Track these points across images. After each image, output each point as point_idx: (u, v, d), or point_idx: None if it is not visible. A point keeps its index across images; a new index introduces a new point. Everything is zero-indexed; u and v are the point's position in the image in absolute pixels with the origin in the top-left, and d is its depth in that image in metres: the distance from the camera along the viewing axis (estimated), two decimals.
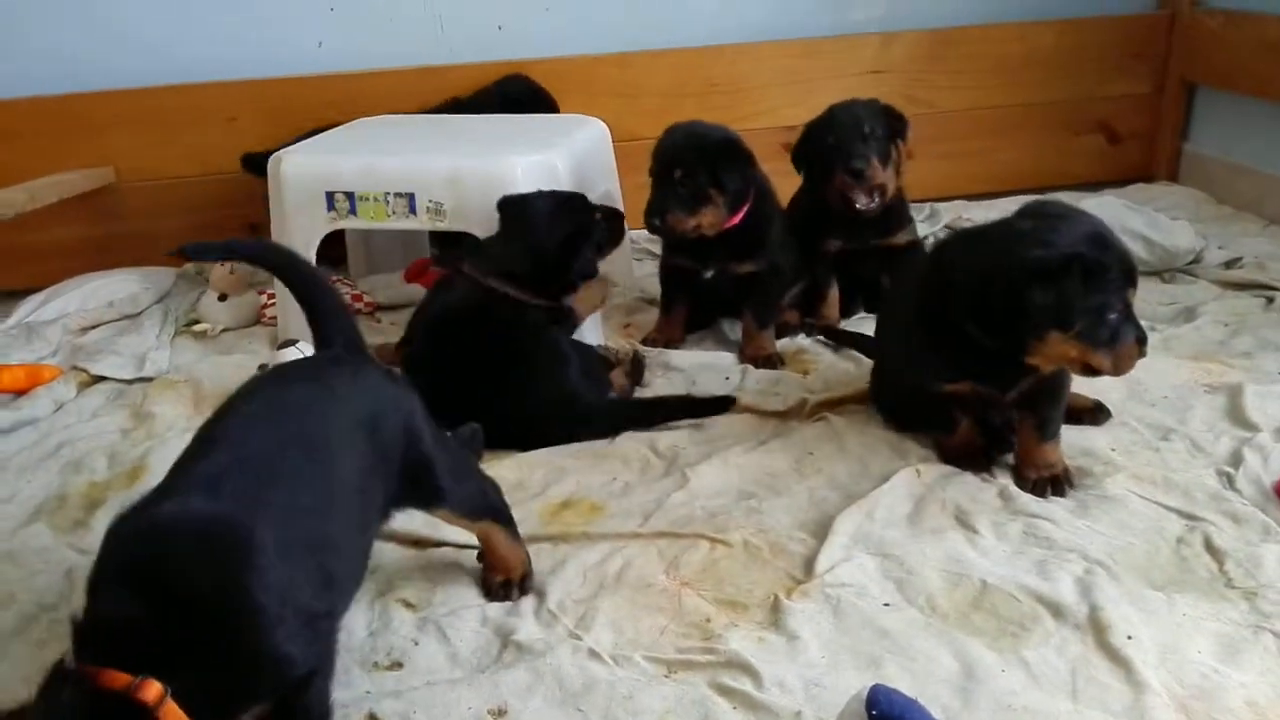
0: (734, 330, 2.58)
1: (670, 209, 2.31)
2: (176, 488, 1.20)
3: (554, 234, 2.15)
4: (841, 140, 2.41)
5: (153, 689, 1.03)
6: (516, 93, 3.06)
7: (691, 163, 2.30)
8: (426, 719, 1.35)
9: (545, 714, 1.36)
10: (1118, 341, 1.64)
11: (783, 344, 2.49)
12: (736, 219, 2.38)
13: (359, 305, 2.85)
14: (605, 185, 2.68)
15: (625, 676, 1.43)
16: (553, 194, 2.24)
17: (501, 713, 1.37)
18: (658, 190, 2.34)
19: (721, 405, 2.16)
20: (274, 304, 2.76)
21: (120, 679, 1.03)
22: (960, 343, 1.72)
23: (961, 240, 1.84)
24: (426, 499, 1.50)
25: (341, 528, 1.30)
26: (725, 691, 1.39)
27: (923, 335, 1.81)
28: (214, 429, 1.29)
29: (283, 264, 1.59)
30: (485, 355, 2.04)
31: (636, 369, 2.34)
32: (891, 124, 2.48)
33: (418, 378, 1.70)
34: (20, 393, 2.35)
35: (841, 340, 2.48)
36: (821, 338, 2.53)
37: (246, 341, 2.66)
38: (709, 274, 2.44)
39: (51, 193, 2.83)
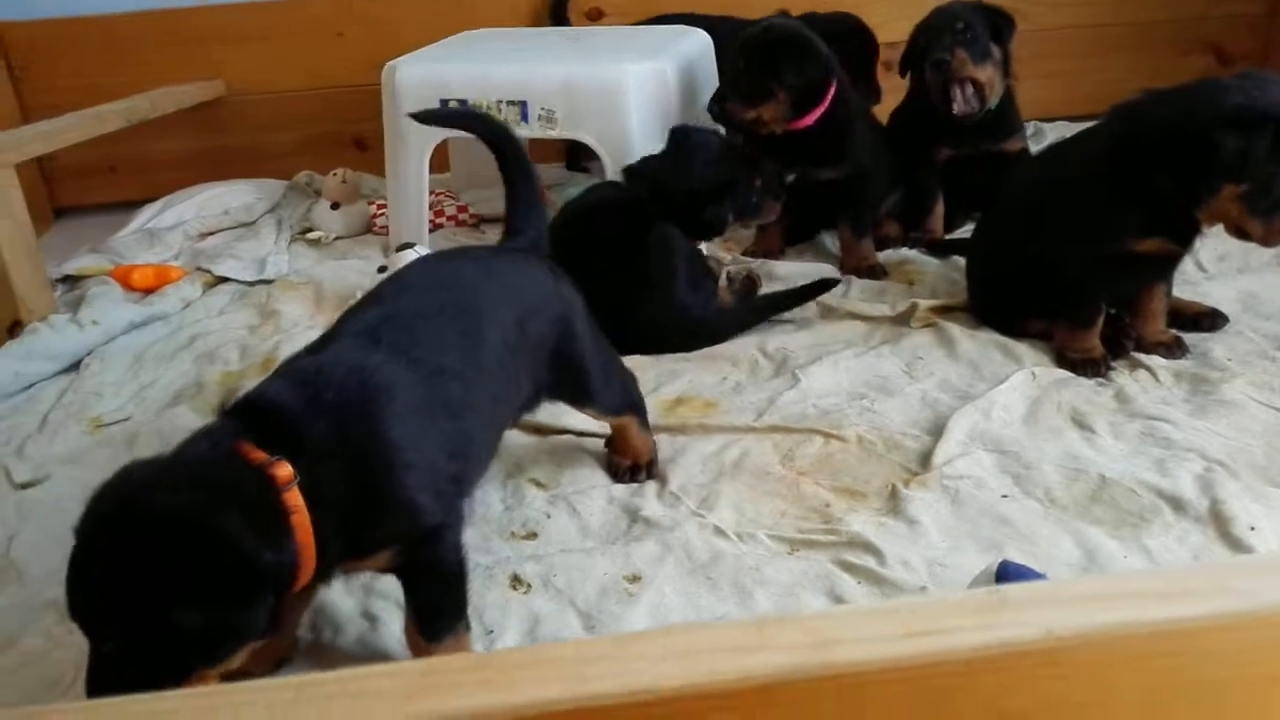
0: (834, 245, 2.60)
1: (729, 98, 2.34)
2: (338, 334, 1.28)
3: (705, 178, 2.15)
4: (932, 38, 2.40)
5: (285, 470, 1.07)
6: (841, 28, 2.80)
7: (755, 55, 2.32)
8: (566, 581, 1.42)
9: (676, 581, 1.42)
10: (1274, 215, 1.68)
11: (885, 255, 2.49)
12: (809, 120, 2.37)
13: (463, 216, 2.91)
14: (703, 97, 2.69)
15: (750, 551, 1.48)
16: (724, 140, 2.26)
17: (635, 578, 1.43)
18: (724, 79, 2.37)
19: (825, 286, 2.18)
20: (384, 213, 2.83)
21: (258, 453, 1.07)
22: (1148, 197, 1.77)
23: (1157, 95, 1.86)
24: (576, 397, 1.56)
25: (480, 399, 1.33)
26: (849, 568, 1.44)
27: (1108, 194, 1.83)
28: (379, 289, 1.36)
29: (502, 140, 1.63)
30: (607, 253, 2.08)
31: (748, 288, 2.32)
32: (994, 23, 2.45)
33: None
34: (149, 291, 2.46)
35: (948, 251, 2.47)
36: (924, 250, 2.53)
37: (360, 248, 2.73)
38: (791, 178, 2.43)
39: (170, 102, 2.93)
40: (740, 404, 1.89)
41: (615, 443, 1.70)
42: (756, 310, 2.20)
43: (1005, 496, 1.57)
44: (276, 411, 1.12)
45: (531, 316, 1.43)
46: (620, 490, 1.65)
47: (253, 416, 1.13)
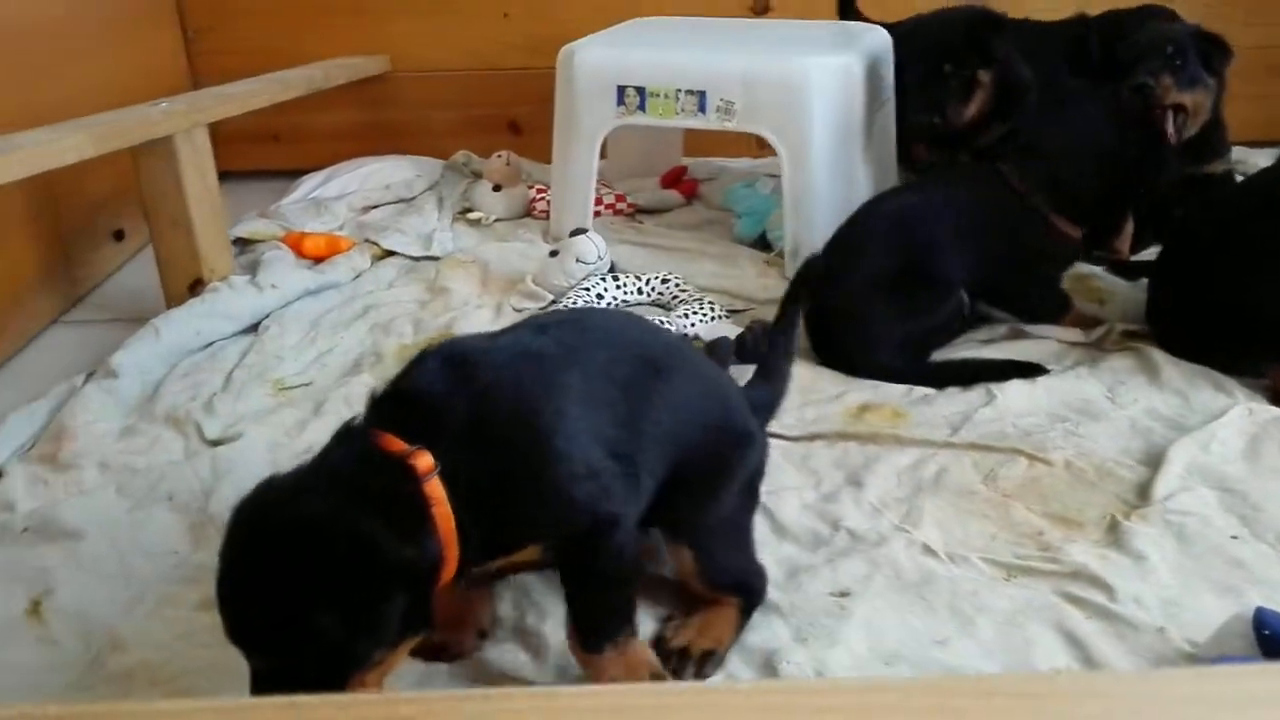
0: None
1: (949, 101, 2.24)
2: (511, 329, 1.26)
3: (1124, 152, 2.02)
4: (1139, 59, 2.26)
5: (425, 459, 1.03)
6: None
7: (958, 48, 2.22)
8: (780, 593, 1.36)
9: (889, 598, 1.36)
10: None
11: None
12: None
13: (620, 205, 2.87)
14: (887, 95, 2.61)
15: (964, 575, 1.41)
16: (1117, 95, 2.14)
17: (844, 594, 1.37)
18: (926, 85, 2.28)
19: (1029, 371, 1.92)
20: (543, 197, 2.81)
21: (397, 444, 1.04)
22: None
23: None
24: (678, 533, 1.28)
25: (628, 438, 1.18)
26: (1075, 600, 1.35)
27: None
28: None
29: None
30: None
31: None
32: (1206, 50, 2.32)
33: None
34: (319, 259, 2.47)
35: (1137, 273, 2.34)
36: (1109, 269, 2.40)
37: (521, 231, 2.71)
38: None
39: (340, 74, 2.96)
40: (931, 416, 1.81)
41: (689, 609, 1.32)
42: (939, 374, 1.94)
43: (1235, 538, 1.47)
44: (418, 398, 1.09)
45: (701, 431, 1.25)
46: (813, 495, 1.59)
47: (396, 404, 1.10)
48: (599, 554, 1.13)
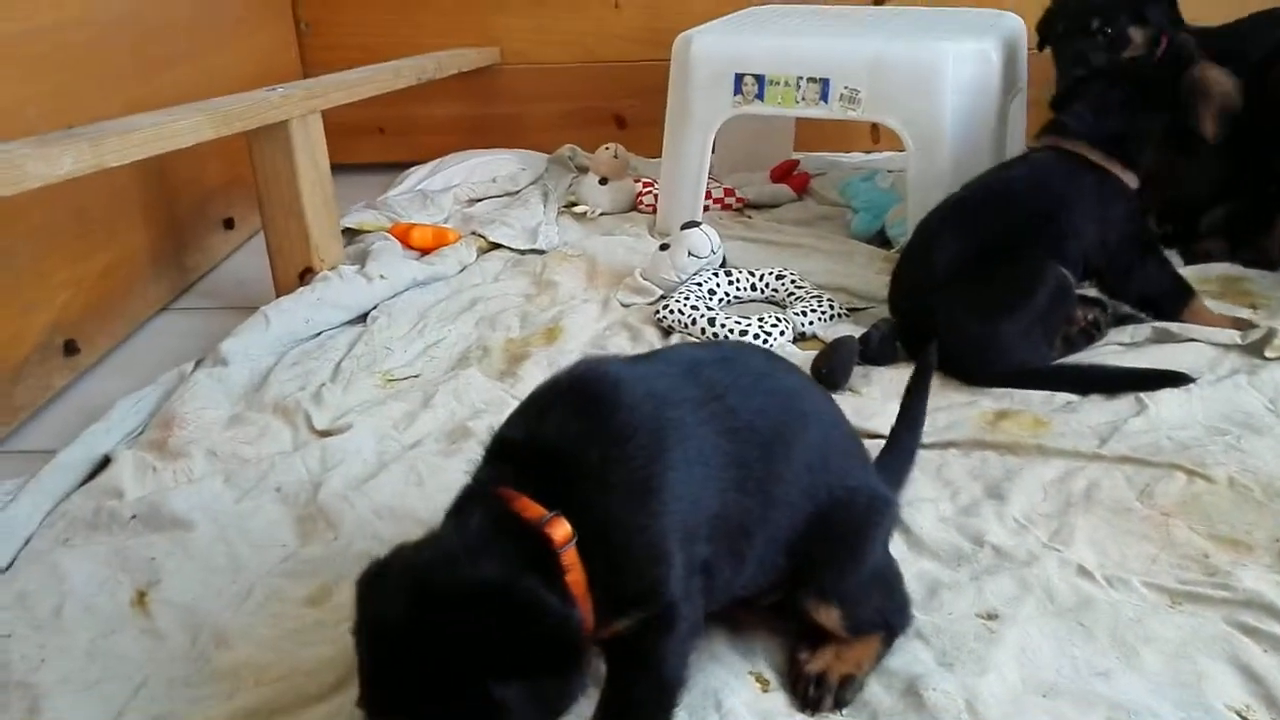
0: None
1: (1093, 53, 2.14)
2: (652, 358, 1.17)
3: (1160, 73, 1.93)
4: None
5: (563, 528, 0.96)
6: None
7: (1109, 5, 2.13)
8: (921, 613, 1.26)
9: (1042, 623, 1.24)
10: None
11: (1219, 271, 2.20)
12: None
13: (729, 200, 2.77)
14: (1021, 83, 2.47)
15: (1124, 600, 1.28)
16: None
17: (992, 616, 1.26)
18: (1074, 44, 2.19)
19: (1173, 380, 1.75)
20: (650, 191, 2.73)
21: (534, 509, 0.97)
22: None
23: None
24: (813, 580, 1.16)
25: (756, 512, 1.10)
26: (1249, 631, 1.22)
27: None
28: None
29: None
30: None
31: (1086, 335, 1.93)
32: None
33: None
34: (425, 250, 2.44)
35: None
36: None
37: (627, 225, 2.64)
38: None
39: (452, 65, 2.93)
40: (1076, 425, 1.67)
41: (822, 638, 1.19)
42: (1065, 376, 1.80)
43: None
44: (550, 455, 1.01)
45: (843, 491, 1.16)
46: (950, 508, 1.48)
47: (523, 459, 1.02)
48: (666, 646, 1.03)
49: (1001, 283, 1.82)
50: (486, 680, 0.88)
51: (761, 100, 2.34)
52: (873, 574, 1.18)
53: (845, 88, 2.25)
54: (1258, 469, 1.53)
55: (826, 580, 1.15)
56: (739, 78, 2.34)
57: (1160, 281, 1.96)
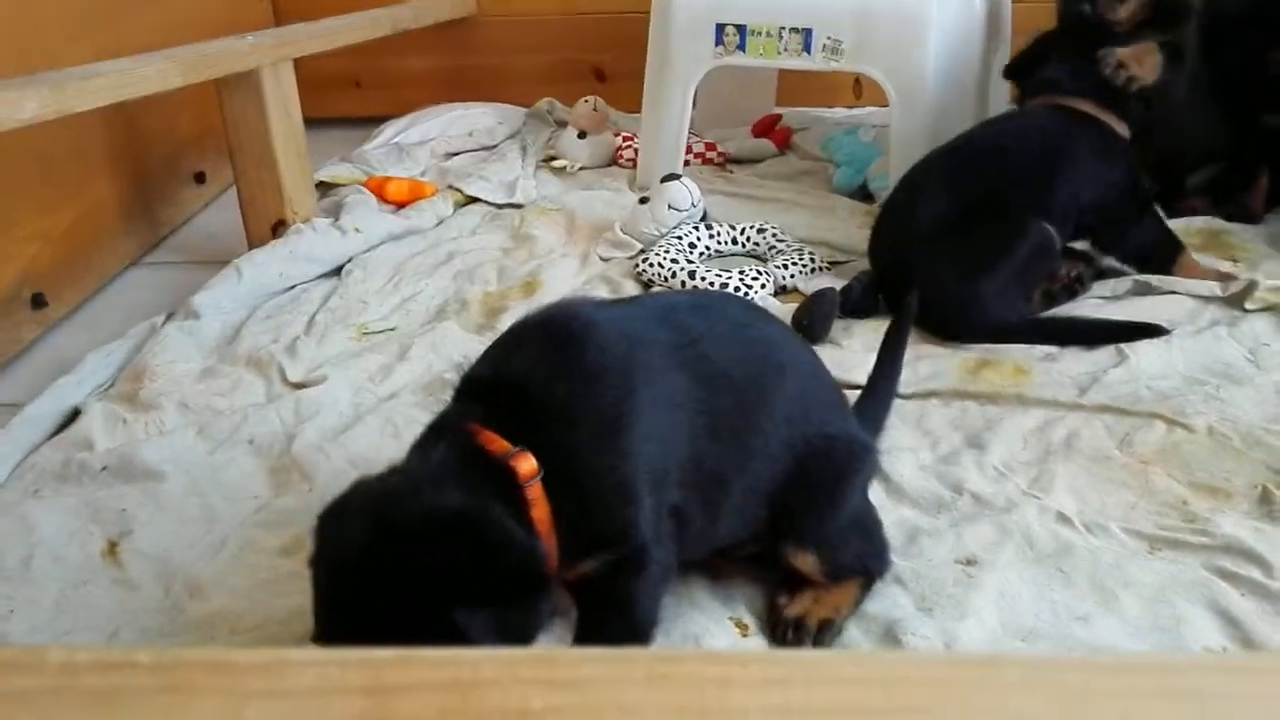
0: None
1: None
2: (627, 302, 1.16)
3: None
4: None
5: (528, 463, 0.94)
6: None
7: None
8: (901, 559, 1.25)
9: (1021, 569, 1.24)
10: None
11: (1200, 224, 2.19)
12: None
13: (711, 154, 2.75)
14: (1006, 34, 2.44)
15: (1104, 546, 1.28)
16: None
17: (971, 561, 1.25)
18: None
19: (1150, 332, 1.74)
20: (630, 145, 2.70)
21: (500, 444, 0.95)
22: None
23: None
24: (790, 529, 1.15)
25: (731, 462, 1.09)
26: (1227, 575, 1.22)
27: None
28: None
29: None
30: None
31: (1069, 290, 1.93)
32: None
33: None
34: (401, 204, 2.40)
35: None
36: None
37: (606, 180, 2.61)
38: None
39: (429, 15, 2.87)
40: (1057, 375, 1.66)
41: (801, 584, 1.18)
42: (1053, 331, 1.78)
43: None
44: (519, 387, 0.99)
45: (821, 440, 1.14)
46: (930, 457, 1.47)
47: (495, 391, 1.00)
48: (638, 590, 1.03)
49: (983, 239, 1.80)
50: (449, 609, 0.86)
51: (743, 51, 2.31)
52: (851, 520, 1.17)
53: (828, 38, 2.21)
54: (1236, 418, 1.53)
55: (805, 527, 1.14)
56: (720, 28, 2.30)
57: (1153, 236, 1.95)
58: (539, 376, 1.00)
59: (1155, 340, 1.73)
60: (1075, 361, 1.70)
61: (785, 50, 2.26)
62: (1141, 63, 1.90)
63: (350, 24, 2.52)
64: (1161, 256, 1.95)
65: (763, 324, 1.21)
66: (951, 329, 1.78)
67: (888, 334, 1.47)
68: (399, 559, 0.88)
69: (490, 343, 1.11)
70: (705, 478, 1.06)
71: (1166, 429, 1.51)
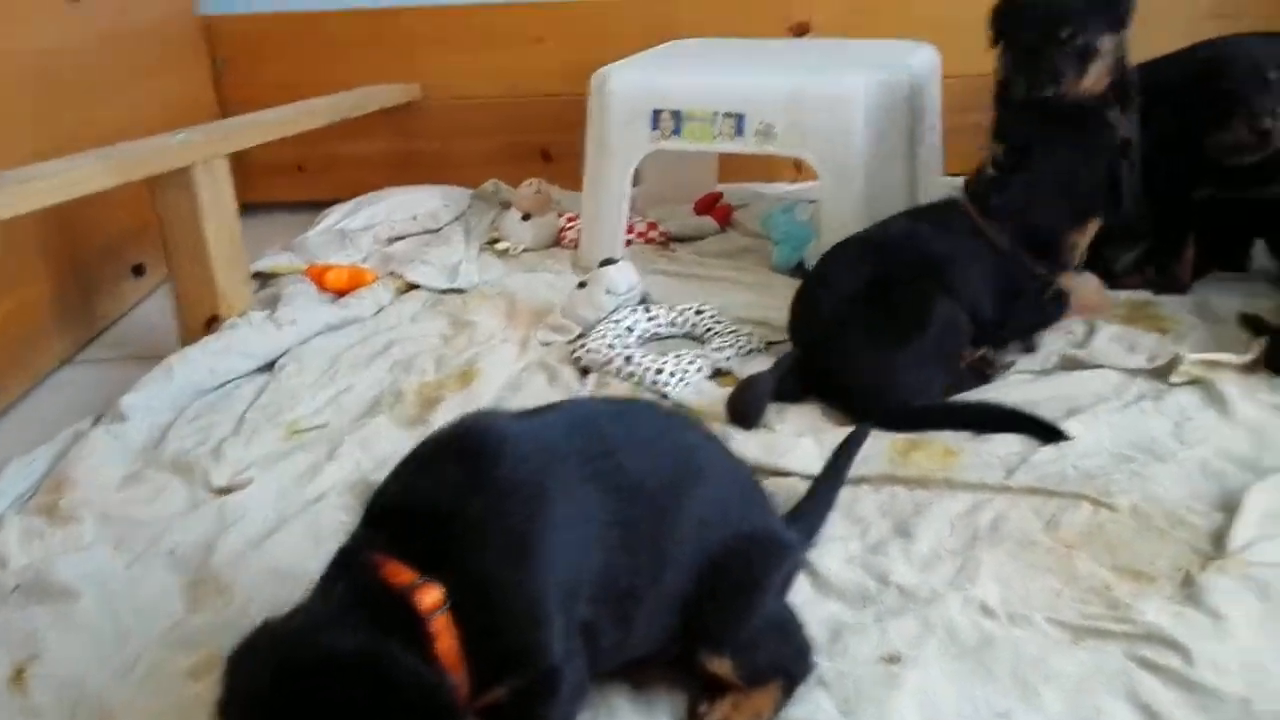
0: None
1: (1065, 71, 1.98)
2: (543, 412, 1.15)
3: (1092, 168, 1.90)
4: (1248, 86, 2.04)
5: (431, 595, 0.93)
6: None
7: (1081, 13, 1.99)
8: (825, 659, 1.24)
9: (944, 665, 1.23)
10: None
11: (1118, 295, 2.23)
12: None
13: (652, 234, 2.77)
14: (933, 118, 2.50)
15: (1026, 637, 1.28)
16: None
17: (894, 659, 1.25)
18: (1039, 54, 2.00)
19: (1052, 435, 1.71)
20: (574, 226, 2.72)
21: (403, 575, 0.94)
22: None
23: None
24: (705, 632, 1.15)
25: (644, 573, 1.09)
26: (1148, 666, 1.22)
27: None
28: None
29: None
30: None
31: (977, 373, 1.93)
32: None
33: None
34: (341, 293, 2.40)
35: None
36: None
37: (550, 261, 2.63)
38: None
39: (370, 102, 2.90)
40: (986, 456, 1.67)
41: (721, 689, 1.17)
42: (967, 419, 1.77)
43: None
44: (428, 513, 0.98)
45: (736, 540, 1.15)
46: (859, 546, 1.47)
47: (400, 519, 0.99)
48: (552, 713, 1.02)
49: (892, 313, 1.82)
50: None
51: (679, 136, 2.34)
52: (768, 622, 1.17)
53: (760, 123, 2.26)
54: (1160, 496, 1.54)
55: (720, 631, 1.13)
56: (656, 113, 2.34)
57: (1034, 313, 1.98)
58: (448, 495, 0.99)
59: (1080, 417, 1.75)
60: (1004, 441, 1.71)
61: (720, 134, 2.30)
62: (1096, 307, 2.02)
63: (288, 116, 2.53)
64: (1051, 315, 2.00)
65: (679, 430, 1.22)
66: (865, 406, 1.77)
67: (842, 443, 1.52)
68: (301, 703, 0.86)
69: (405, 454, 1.11)
70: (619, 592, 1.06)
71: (1092, 510, 1.52)
